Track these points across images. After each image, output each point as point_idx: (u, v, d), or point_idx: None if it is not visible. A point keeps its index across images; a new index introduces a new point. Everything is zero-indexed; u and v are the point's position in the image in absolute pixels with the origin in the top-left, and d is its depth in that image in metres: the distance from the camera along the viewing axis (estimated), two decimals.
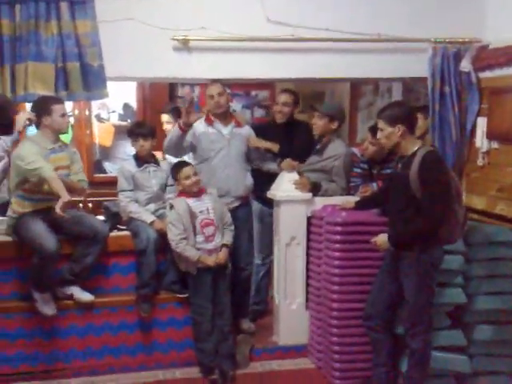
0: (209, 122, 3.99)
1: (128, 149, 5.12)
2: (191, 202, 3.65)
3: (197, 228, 3.62)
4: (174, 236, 3.59)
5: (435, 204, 3.01)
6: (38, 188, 3.43)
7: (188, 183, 3.63)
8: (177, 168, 3.72)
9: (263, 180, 4.10)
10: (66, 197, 3.23)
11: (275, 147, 4.08)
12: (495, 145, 3.94)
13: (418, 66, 4.10)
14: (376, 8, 4.06)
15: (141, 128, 3.90)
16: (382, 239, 3.22)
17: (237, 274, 4.12)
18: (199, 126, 3.97)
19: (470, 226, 3.48)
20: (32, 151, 3.36)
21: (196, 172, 3.69)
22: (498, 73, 3.92)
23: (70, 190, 3.38)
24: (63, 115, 3.52)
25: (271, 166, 4.13)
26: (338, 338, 3.62)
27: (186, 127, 3.81)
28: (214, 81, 3.98)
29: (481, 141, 4.03)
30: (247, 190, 4.08)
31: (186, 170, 3.65)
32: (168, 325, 3.78)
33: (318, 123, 4.05)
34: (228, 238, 3.72)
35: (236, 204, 4.01)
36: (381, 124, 3.18)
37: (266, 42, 3.95)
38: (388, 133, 3.15)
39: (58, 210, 3.21)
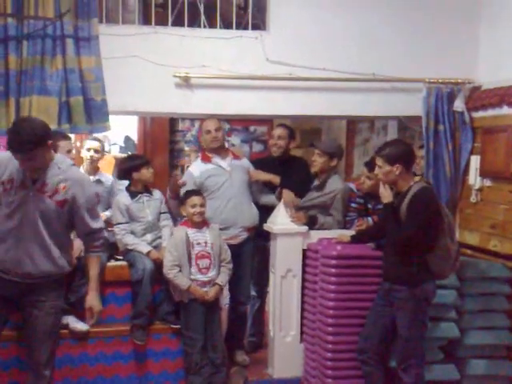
0: (206, 160, 4.04)
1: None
2: (191, 232, 3.69)
3: (192, 258, 3.65)
4: (167, 262, 3.63)
5: (411, 228, 3.09)
6: None
7: (192, 211, 3.68)
8: (187, 194, 3.78)
9: (259, 213, 4.15)
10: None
11: (276, 179, 4.13)
12: (488, 182, 4.00)
13: (412, 105, 4.19)
14: (371, 49, 4.17)
15: (140, 159, 3.99)
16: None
17: (235, 307, 4.14)
18: (195, 169, 4.03)
19: (463, 261, 3.53)
20: None
21: (203, 204, 3.72)
22: (490, 113, 4.00)
23: None
24: (69, 151, 3.54)
25: (268, 199, 4.18)
26: (333, 371, 3.61)
27: (175, 196, 4.00)
28: (211, 116, 4.06)
29: (474, 178, 4.10)
30: (253, 219, 4.09)
31: (194, 199, 3.69)
32: (162, 355, 3.78)
33: (318, 160, 4.06)
34: (223, 279, 3.74)
35: (244, 236, 4.03)
36: (380, 161, 3.24)
37: (265, 80, 4.06)
38: (386, 171, 3.22)
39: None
